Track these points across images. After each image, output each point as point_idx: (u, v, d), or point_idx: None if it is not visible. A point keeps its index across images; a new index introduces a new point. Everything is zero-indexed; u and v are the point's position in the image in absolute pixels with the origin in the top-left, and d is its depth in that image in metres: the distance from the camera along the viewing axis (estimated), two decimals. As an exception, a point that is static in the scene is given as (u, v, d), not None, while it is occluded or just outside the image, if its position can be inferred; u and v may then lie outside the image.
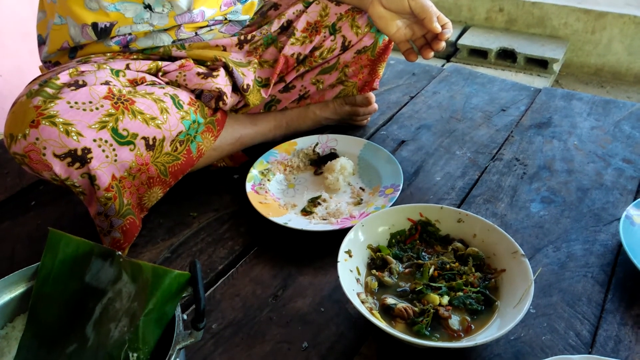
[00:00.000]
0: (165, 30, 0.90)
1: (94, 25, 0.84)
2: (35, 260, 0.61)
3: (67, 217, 0.91)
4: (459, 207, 0.90)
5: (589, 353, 0.66)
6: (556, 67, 2.45)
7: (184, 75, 0.88)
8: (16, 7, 1.67)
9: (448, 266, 0.71)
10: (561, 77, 2.55)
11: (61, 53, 0.90)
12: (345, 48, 1.03)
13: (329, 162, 0.98)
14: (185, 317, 0.57)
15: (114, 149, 0.75)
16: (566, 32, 2.56)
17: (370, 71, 1.07)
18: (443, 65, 2.41)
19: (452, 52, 2.65)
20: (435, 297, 0.66)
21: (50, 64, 0.92)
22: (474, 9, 2.75)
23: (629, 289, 0.75)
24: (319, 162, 1.01)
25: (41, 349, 0.56)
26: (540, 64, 2.48)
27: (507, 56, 2.56)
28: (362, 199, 0.92)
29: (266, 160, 0.99)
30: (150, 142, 0.79)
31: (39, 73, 0.93)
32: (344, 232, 0.74)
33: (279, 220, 0.84)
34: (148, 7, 0.85)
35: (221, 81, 0.90)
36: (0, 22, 1.66)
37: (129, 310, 0.55)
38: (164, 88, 0.84)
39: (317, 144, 1.03)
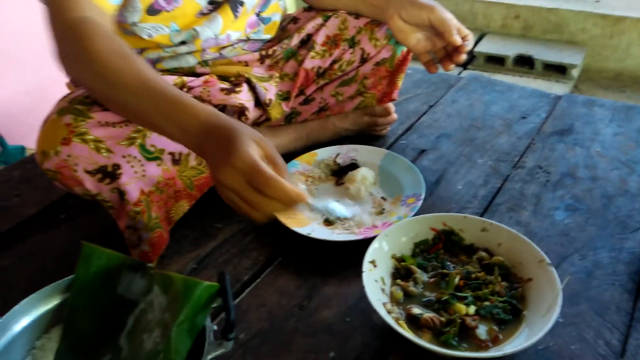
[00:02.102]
0: (191, 52, 0.92)
1: None
2: (66, 273, 0.63)
3: (96, 231, 0.93)
4: (481, 215, 0.90)
5: (620, 362, 0.66)
6: (575, 72, 2.43)
7: (208, 91, 0.90)
8: (39, 23, 1.72)
9: (474, 275, 0.71)
10: (580, 82, 2.53)
11: None
12: (364, 60, 1.05)
13: (349, 172, 0.99)
14: (215, 327, 0.58)
15: (142, 165, 0.77)
16: (584, 38, 2.54)
17: (389, 82, 1.08)
18: (460, 73, 2.41)
19: (468, 59, 2.64)
20: (461, 307, 0.66)
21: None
22: (490, 16, 2.75)
23: (659, 297, 0.74)
24: (340, 173, 1.02)
25: (76, 359, 0.58)
26: (558, 70, 2.46)
27: (524, 63, 2.55)
28: (384, 209, 0.92)
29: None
30: (177, 157, 0.80)
31: (64, 88, 0.96)
32: (366, 242, 0.74)
33: (302, 230, 0.85)
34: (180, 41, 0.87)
35: (244, 96, 0.92)
36: (23, 39, 1.72)
37: (161, 321, 0.56)
38: None
39: (338, 155, 1.04)
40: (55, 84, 0.99)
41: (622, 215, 0.88)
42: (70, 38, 0.68)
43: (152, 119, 0.65)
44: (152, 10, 0.83)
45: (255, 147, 0.58)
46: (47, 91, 0.94)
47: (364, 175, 0.97)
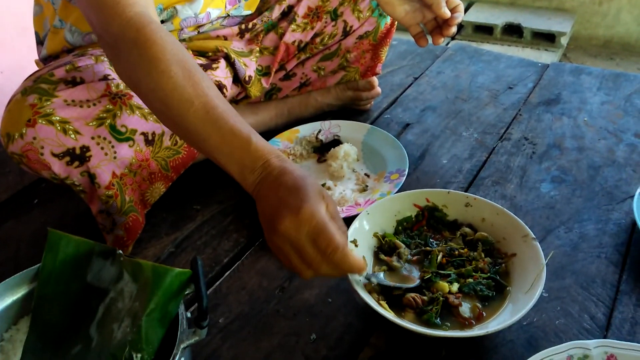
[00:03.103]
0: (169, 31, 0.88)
1: None
2: (39, 260, 0.60)
3: (70, 215, 0.90)
4: (466, 190, 0.88)
5: (605, 336, 0.65)
6: (564, 40, 2.39)
7: None
8: (12, 1, 1.65)
9: (457, 252, 0.69)
10: (569, 50, 2.49)
11: (62, 53, 0.88)
12: (346, 33, 1.01)
13: (332, 149, 0.96)
14: (189, 314, 0.56)
15: (112, 146, 0.73)
16: (573, 5, 2.49)
17: (373, 56, 1.04)
18: (448, 44, 2.36)
19: (456, 29, 2.60)
20: (444, 285, 0.64)
21: (51, 58, 0.90)
22: (478, -16, 2.69)
23: (645, 268, 0.73)
24: (322, 150, 0.99)
25: (46, 350, 0.56)
26: (547, 38, 2.42)
27: (513, 31, 2.50)
28: (367, 186, 0.90)
29: (269, 150, 0.97)
30: (150, 137, 0.77)
31: (37, 68, 0.92)
32: (349, 220, 0.72)
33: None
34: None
35: (221, 73, 0.88)
36: (-3, 17, 1.65)
37: (130, 310, 0.54)
38: None
39: (320, 131, 1.01)
40: (31, 64, 0.95)
41: (609, 186, 0.87)
42: (130, 40, 0.61)
43: (211, 148, 0.59)
44: None
45: (324, 205, 0.54)
46: (24, 72, 0.90)
47: (347, 152, 0.94)
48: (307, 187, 0.54)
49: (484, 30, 2.54)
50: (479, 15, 2.56)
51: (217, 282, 0.76)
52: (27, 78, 0.78)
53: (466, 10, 2.61)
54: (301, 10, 0.97)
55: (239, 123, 0.59)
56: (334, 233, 0.51)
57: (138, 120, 0.75)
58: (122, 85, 0.76)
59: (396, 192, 0.82)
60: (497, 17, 2.52)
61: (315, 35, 0.99)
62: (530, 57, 2.31)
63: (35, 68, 0.91)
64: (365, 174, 0.93)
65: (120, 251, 0.58)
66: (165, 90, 0.59)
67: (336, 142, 0.99)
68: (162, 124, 0.70)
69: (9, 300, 0.58)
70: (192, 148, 0.75)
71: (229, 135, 0.58)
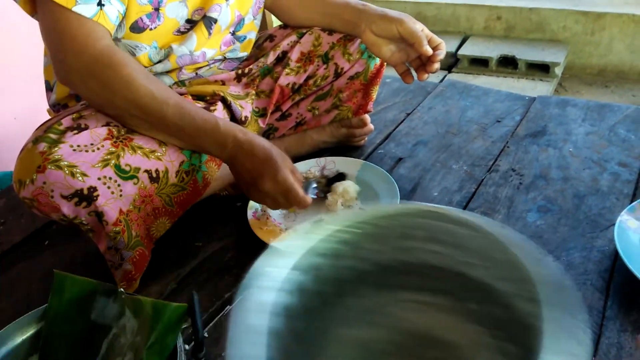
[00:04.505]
0: (167, 72, 0.94)
1: None
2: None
3: (80, 255, 0.94)
4: (456, 221, 0.91)
5: (590, 361, 0.67)
6: (558, 70, 2.45)
7: None
8: (27, 49, 1.75)
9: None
10: (564, 79, 2.55)
11: (68, 97, 0.95)
12: (338, 75, 1.07)
13: (334, 183, 0.99)
14: (187, 347, 0.59)
15: (118, 185, 0.78)
16: (566, 35, 2.56)
17: (364, 95, 1.10)
18: (444, 77, 2.43)
19: (453, 62, 2.67)
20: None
21: (59, 106, 0.96)
22: (472, 18, 2.77)
23: (627, 294, 0.75)
24: (329, 185, 1.00)
25: (54, 386, 0.59)
26: (542, 69, 2.48)
27: (508, 63, 2.57)
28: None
29: (266, 187, 1.01)
30: (154, 175, 0.81)
31: (48, 116, 0.98)
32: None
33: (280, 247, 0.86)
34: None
35: (218, 114, 0.93)
36: (11, 64, 1.74)
37: (133, 344, 0.57)
38: None
39: (324, 167, 1.04)
40: (43, 111, 1.01)
41: (593, 214, 0.90)
42: (103, 65, 0.74)
43: (188, 135, 0.79)
44: (136, 28, 0.84)
45: (289, 170, 0.80)
46: (36, 117, 0.96)
47: (346, 189, 0.97)
48: (276, 157, 0.79)
49: (479, 63, 2.61)
50: (474, 48, 2.63)
51: (218, 317, 0.79)
52: (38, 128, 0.84)
53: (462, 44, 2.69)
54: (294, 55, 1.03)
55: (205, 113, 0.80)
56: (297, 189, 0.80)
57: (140, 159, 0.80)
58: (123, 130, 0.81)
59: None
60: (492, 50, 2.59)
61: (309, 77, 1.05)
62: (526, 88, 2.38)
63: (46, 114, 0.98)
64: (360, 209, 0.96)
65: (122, 289, 0.62)
66: (145, 98, 0.75)
67: (341, 176, 1.02)
68: (138, 128, 0.80)
69: (18, 339, 0.62)
70: (170, 143, 0.83)
71: (201, 122, 0.78)
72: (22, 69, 1.75)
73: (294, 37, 1.04)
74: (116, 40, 0.85)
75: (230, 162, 0.81)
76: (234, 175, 0.83)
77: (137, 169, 0.80)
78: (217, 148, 0.79)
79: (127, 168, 0.79)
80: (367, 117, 1.14)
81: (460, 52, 2.61)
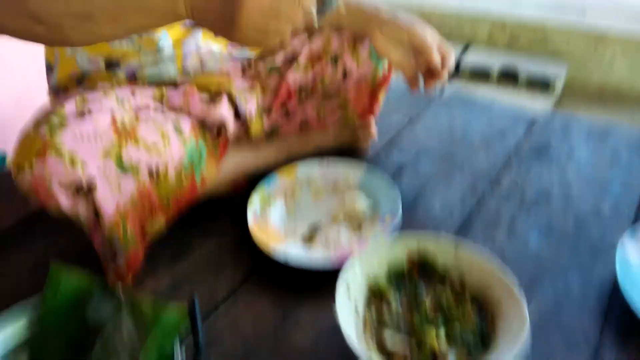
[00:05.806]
0: (173, 58, 0.93)
1: (107, 58, 0.87)
2: (40, 288, 0.62)
3: (73, 245, 0.91)
4: (456, 234, 0.91)
5: (585, 388, 0.67)
6: (558, 85, 2.46)
7: (188, 101, 0.90)
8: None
9: (445, 300, 0.71)
10: (564, 96, 2.56)
11: (69, 79, 0.92)
12: (345, 76, 1.05)
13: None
14: (185, 351, 0.58)
15: (117, 179, 0.76)
16: (568, 49, 2.58)
17: (370, 98, 1.09)
18: (443, 86, 2.43)
19: (453, 72, 2.67)
20: (432, 333, 0.66)
21: (59, 89, 0.94)
22: (476, 26, 2.78)
23: (626, 321, 0.75)
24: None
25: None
26: (542, 83, 2.49)
27: (509, 74, 2.58)
28: (361, 226, 0.93)
29: (266, 186, 1.00)
30: (154, 170, 0.80)
31: (48, 96, 0.96)
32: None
33: (279, 252, 0.85)
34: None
35: (223, 110, 0.92)
36: (8, 45, 1.70)
37: (128, 345, 0.56)
38: (165, 115, 0.86)
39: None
40: (41, 91, 0.99)
41: (593, 236, 0.90)
42: None
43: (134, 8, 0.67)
44: None
45: None
46: (34, 98, 0.93)
47: (351, 199, 0.96)
48: None
49: (480, 74, 2.61)
50: (476, 58, 2.63)
51: (211, 319, 0.78)
52: (39, 111, 0.82)
53: (464, 50, 2.69)
54: (303, 54, 1.01)
55: None
56: None
57: (142, 152, 0.78)
58: (126, 119, 0.79)
59: (388, 235, 0.85)
60: (494, 61, 2.60)
61: (316, 76, 1.04)
62: (526, 101, 2.38)
63: (45, 96, 0.95)
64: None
65: (119, 286, 0.60)
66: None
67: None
68: (90, 35, 0.71)
69: (7, 331, 0.60)
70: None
71: None
72: (18, 48, 1.71)
73: (303, 37, 1.03)
74: None
75: (196, 12, 0.68)
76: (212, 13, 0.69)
77: (138, 165, 0.78)
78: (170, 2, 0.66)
79: (128, 163, 0.77)
80: (371, 122, 1.13)
81: (462, 61, 2.61)
